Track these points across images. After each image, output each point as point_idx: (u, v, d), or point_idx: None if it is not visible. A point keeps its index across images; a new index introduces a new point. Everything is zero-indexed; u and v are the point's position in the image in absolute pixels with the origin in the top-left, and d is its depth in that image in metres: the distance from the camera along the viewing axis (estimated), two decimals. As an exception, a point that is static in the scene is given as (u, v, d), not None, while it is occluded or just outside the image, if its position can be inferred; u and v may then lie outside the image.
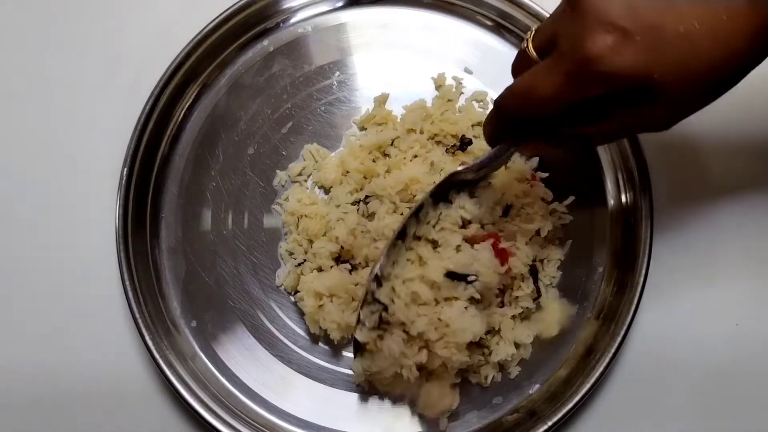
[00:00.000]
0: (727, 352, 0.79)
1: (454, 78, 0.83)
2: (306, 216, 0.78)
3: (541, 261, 0.78)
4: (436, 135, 0.80)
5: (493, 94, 0.83)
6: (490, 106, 0.82)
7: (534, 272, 0.77)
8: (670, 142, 0.83)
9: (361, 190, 0.78)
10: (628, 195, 0.79)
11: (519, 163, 0.79)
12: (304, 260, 0.78)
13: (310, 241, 0.77)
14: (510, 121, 0.61)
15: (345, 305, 0.74)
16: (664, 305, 0.79)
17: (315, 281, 0.74)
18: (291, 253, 0.79)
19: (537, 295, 0.77)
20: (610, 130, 0.60)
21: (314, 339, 0.78)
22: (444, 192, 0.71)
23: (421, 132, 0.80)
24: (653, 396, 0.78)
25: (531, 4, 0.81)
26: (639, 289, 0.74)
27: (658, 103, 0.55)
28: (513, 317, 0.75)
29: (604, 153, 0.81)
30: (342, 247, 0.75)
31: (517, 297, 0.75)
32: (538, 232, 0.76)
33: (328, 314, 0.73)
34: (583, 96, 0.54)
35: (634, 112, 0.56)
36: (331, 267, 0.76)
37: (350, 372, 0.75)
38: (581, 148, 0.80)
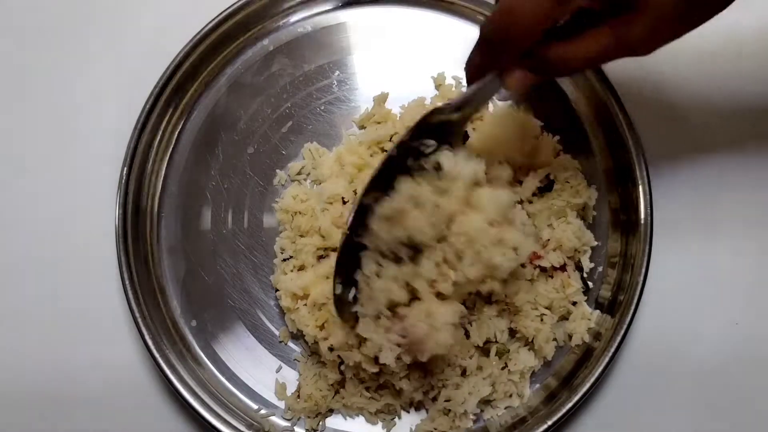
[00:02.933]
0: (727, 351, 0.79)
1: (454, 77, 0.83)
2: (299, 213, 0.77)
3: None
4: (435, 133, 0.80)
5: (493, 93, 0.83)
6: (490, 105, 0.82)
7: (579, 267, 0.77)
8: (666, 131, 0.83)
9: (353, 182, 0.77)
10: (625, 192, 0.79)
11: (528, 119, 0.78)
12: (290, 257, 0.77)
13: (302, 237, 0.77)
14: (494, 48, 0.59)
15: (321, 305, 0.73)
16: (664, 305, 0.79)
17: (290, 281, 0.74)
18: (283, 250, 0.79)
19: (585, 288, 0.77)
20: (588, 52, 0.59)
21: (294, 336, 0.77)
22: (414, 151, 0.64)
23: (421, 129, 0.79)
24: (653, 395, 0.78)
25: (531, 3, 0.81)
26: (639, 288, 0.74)
27: (637, 16, 0.55)
28: (560, 317, 0.76)
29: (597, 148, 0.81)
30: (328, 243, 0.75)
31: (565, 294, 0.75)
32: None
33: (303, 317, 0.73)
34: (564, 9, 0.54)
35: (614, 24, 0.57)
36: (313, 266, 0.75)
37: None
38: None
